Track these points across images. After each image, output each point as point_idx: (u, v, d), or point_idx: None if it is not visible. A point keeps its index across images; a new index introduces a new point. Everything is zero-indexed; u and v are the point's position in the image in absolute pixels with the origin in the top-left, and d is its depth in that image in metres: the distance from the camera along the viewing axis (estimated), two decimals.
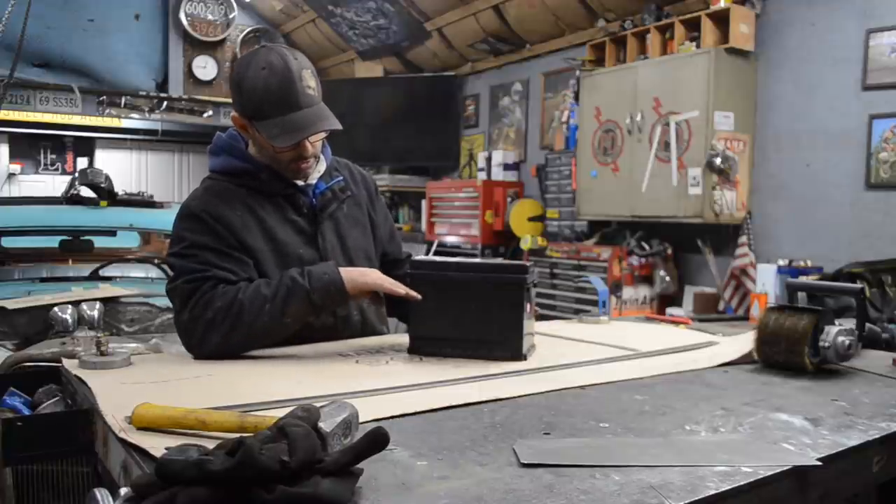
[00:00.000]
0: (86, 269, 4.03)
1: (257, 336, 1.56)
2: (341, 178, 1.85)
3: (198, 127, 8.46)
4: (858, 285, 2.07)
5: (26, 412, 1.33)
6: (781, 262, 4.08)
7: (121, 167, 8.62)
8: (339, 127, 1.65)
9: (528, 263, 1.65)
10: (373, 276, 1.61)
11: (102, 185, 3.84)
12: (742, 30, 4.39)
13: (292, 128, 1.60)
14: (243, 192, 1.69)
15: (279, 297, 1.54)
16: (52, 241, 4.03)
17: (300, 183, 1.75)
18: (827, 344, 1.52)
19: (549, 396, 1.30)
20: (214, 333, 1.53)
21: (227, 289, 1.56)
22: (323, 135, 1.72)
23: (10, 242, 4.15)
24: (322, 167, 1.80)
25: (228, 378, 1.39)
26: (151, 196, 4.17)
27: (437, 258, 1.68)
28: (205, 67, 8.23)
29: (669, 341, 1.87)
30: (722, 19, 4.43)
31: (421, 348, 1.60)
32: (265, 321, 1.53)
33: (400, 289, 1.59)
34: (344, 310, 1.76)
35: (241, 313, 1.52)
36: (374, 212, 1.95)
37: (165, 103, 7.98)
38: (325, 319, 1.71)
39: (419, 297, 1.58)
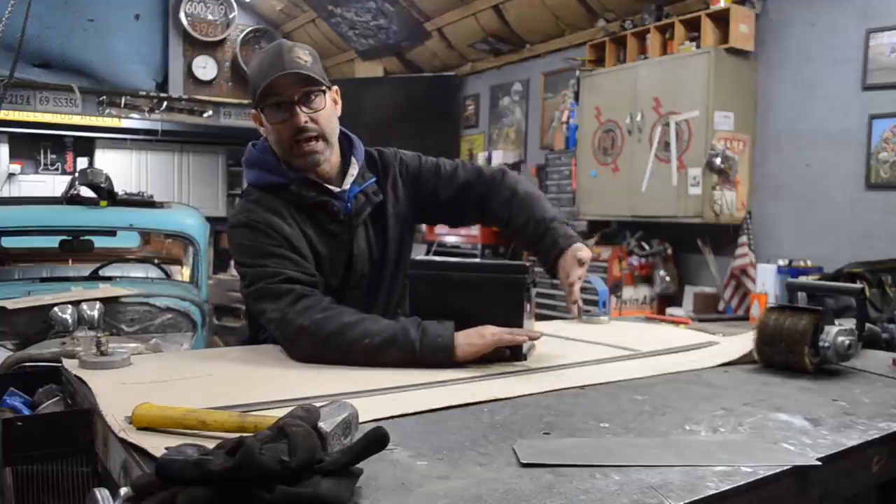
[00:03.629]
0: (86, 269, 4.03)
1: (347, 361, 1.50)
2: (374, 178, 1.80)
3: (198, 127, 8.46)
4: (858, 285, 2.07)
5: (26, 412, 1.33)
6: (781, 262, 4.09)
7: (121, 167, 8.59)
8: (323, 83, 1.64)
9: (528, 263, 1.65)
10: (488, 337, 1.51)
11: (102, 185, 3.83)
12: (742, 30, 4.40)
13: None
14: (284, 203, 1.68)
15: (381, 339, 1.49)
16: (52, 241, 4.03)
17: (335, 189, 1.72)
18: (827, 344, 1.52)
19: (549, 396, 1.30)
20: (306, 342, 1.51)
21: (330, 305, 1.56)
22: (319, 107, 1.66)
23: (10, 242, 4.15)
24: (354, 171, 1.76)
25: (228, 378, 1.39)
26: (151, 196, 4.15)
27: (437, 258, 1.67)
28: (205, 67, 8.23)
29: (669, 341, 1.87)
30: (722, 19, 4.44)
31: None
32: (357, 355, 1.49)
33: (519, 336, 1.53)
34: None
35: (339, 336, 1.50)
36: (414, 186, 1.88)
37: (165, 103, 7.98)
38: None
39: (539, 335, 1.57)
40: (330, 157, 1.72)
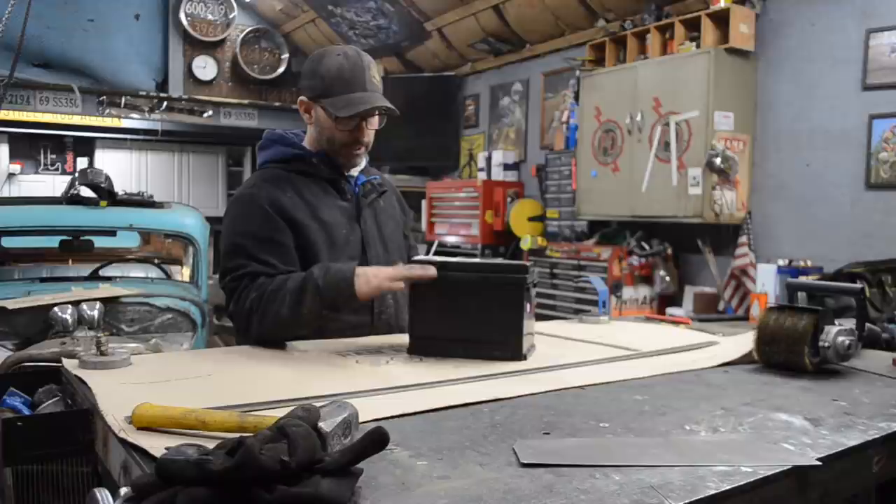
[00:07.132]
0: (86, 269, 4.03)
1: (285, 325, 1.66)
2: (378, 176, 2.02)
3: (198, 127, 8.45)
4: (858, 285, 2.07)
5: (26, 412, 1.33)
6: (781, 262, 4.08)
7: (121, 167, 8.57)
8: (397, 112, 1.82)
9: (528, 263, 1.65)
10: (381, 279, 1.63)
11: (102, 185, 3.84)
12: (742, 30, 4.39)
13: (356, 103, 1.78)
14: (293, 176, 1.85)
15: (296, 290, 1.64)
16: (52, 241, 4.03)
17: (346, 173, 1.91)
18: (827, 344, 1.52)
19: (549, 396, 1.30)
20: (253, 321, 1.68)
21: (263, 281, 1.70)
22: (376, 126, 1.88)
23: (10, 242, 4.15)
24: (363, 164, 1.98)
25: (228, 378, 1.39)
26: (151, 196, 4.16)
27: (437, 258, 1.68)
28: (205, 67, 8.21)
29: (669, 341, 1.87)
30: (722, 19, 4.43)
31: (421, 348, 1.60)
32: (285, 313, 1.64)
33: (414, 271, 1.60)
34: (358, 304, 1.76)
35: (269, 303, 1.65)
36: (404, 214, 2.14)
37: (165, 103, 7.97)
38: (361, 317, 1.82)
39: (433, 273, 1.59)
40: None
